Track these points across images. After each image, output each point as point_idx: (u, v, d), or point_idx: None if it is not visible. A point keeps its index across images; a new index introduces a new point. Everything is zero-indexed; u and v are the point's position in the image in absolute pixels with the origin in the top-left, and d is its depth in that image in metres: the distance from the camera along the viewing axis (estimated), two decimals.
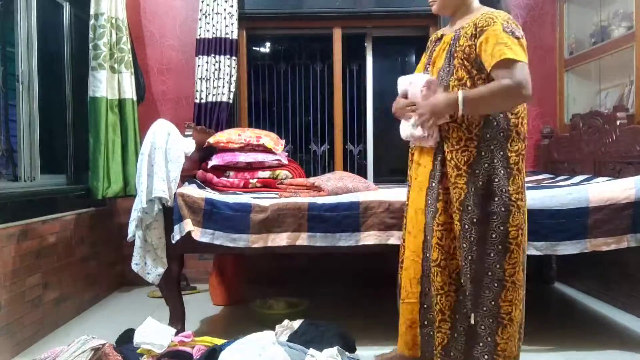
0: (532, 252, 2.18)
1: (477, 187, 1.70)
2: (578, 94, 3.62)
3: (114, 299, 3.36)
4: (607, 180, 2.54)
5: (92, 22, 3.11)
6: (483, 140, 1.72)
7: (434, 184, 1.81)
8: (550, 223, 2.22)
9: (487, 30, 1.68)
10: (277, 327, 2.23)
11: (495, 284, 1.71)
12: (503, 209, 1.71)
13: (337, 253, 2.36)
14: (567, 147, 3.38)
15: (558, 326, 2.66)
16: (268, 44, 4.45)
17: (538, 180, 3.12)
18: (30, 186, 2.71)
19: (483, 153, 1.72)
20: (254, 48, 4.30)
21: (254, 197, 2.47)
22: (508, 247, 1.71)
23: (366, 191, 2.59)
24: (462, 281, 1.75)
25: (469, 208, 1.70)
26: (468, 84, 1.73)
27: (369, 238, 2.30)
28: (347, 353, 1.90)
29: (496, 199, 1.70)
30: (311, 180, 2.73)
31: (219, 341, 2.13)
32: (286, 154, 3.19)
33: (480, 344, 1.75)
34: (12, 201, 2.42)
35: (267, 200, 2.38)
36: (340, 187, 2.59)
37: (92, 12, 3.12)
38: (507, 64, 1.62)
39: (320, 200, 2.38)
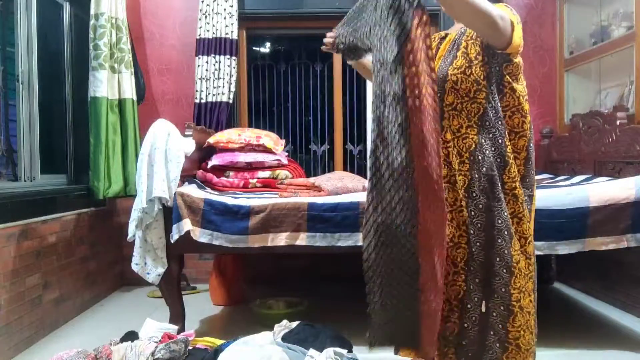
0: None
1: (480, 174, 1.71)
2: (578, 94, 3.62)
3: (114, 299, 3.36)
4: (607, 180, 2.54)
5: (92, 22, 3.12)
6: (482, 127, 1.73)
7: None
8: (550, 223, 2.23)
9: None
10: (275, 326, 2.24)
11: (504, 270, 1.71)
12: (503, 197, 1.72)
13: (337, 253, 2.36)
14: (567, 147, 3.38)
15: (558, 326, 2.65)
16: (268, 44, 4.45)
17: (538, 180, 3.11)
18: (30, 186, 2.71)
19: (483, 141, 1.73)
20: (254, 48, 4.30)
21: (253, 197, 2.47)
22: (513, 234, 1.72)
23: (366, 191, 2.58)
24: (471, 268, 1.75)
25: (474, 195, 1.72)
26: (467, 72, 1.74)
27: None
28: (345, 353, 1.90)
29: (496, 186, 1.72)
30: (311, 180, 2.73)
31: (218, 341, 2.13)
32: (286, 154, 3.18)
33: (492, 333, 1.74)
34: (12, 201, 2.42)
35: (266, 200, 2.39)
36: (340, 187, 2.59)
37: (92, 12, 3.12)
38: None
39: (320, 200, 2.38)
